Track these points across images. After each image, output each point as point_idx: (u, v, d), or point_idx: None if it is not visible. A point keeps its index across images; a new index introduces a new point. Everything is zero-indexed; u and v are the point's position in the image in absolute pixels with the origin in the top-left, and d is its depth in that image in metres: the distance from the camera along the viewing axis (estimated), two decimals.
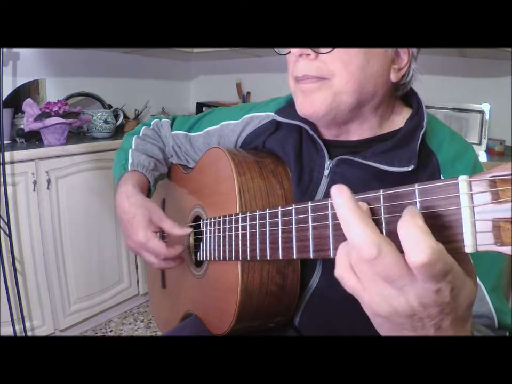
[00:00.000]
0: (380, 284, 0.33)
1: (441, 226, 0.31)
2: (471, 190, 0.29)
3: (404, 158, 0.59)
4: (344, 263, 0.35)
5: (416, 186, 0.32)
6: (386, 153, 0.61)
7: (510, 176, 0.27)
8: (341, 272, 0.35)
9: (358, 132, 0.66)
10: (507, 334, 0.58)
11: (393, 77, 0.62)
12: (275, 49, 0.63)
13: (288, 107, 0.74)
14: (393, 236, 0.32)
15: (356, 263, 0.33)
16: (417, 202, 0.32)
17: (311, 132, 0.69)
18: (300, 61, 0.61)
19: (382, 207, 0.34)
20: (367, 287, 0.34)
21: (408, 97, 0.68)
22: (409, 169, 0.58)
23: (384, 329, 0.36)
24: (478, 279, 0.56)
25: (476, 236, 0.29)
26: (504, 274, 0.61)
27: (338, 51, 0.58)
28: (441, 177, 0.60)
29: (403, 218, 0.30)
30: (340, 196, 0.33)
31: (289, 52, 0.63)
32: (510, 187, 0.27)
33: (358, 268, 0.33)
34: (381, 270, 0.31)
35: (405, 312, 0.32)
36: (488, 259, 0.58)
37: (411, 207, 0.31)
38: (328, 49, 0.58)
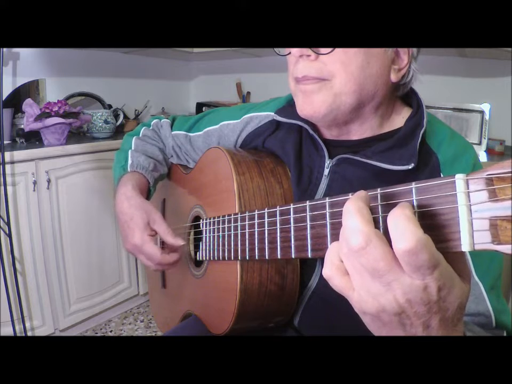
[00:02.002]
0: (368, 280, 0.33)
1: (438, 225, 0.31)
2: (468, 188, 0.29)
3: (404, 157, 0.59)
4: (334, 259, 0.35)
5: (413, 185, 0.32)
6: (387, 152, 0.61)
7: (508, 175, 0.27)
8: (329, 269, 0.35)
9: (358, 132, 0.66)
10: (504, 334, 0.58)
11: (393, 77, 0.62)
12: (275, 50, 0.63)
13: (288, 107, 0.74)
14: (389, 235, 0.32)
15: (346, 255, 0.33)
16: (414, 200, 0.32)
17: (311, 132, 0.69)
18: (300, 61, 0.61)
19: (380, 206, 0.34)
20: (356, 285, 0.34)
21: (408, 97, 0.68)
22: (410, 167, 0.58)
23: (374, 328, 0.36)
24: (476, 278, 0.56)
25: (472, 234, 0.29)
26: (502, 274, 0.61)
27: (338, 52, 0.58)
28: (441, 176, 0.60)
29: (393, 210, 0.31)
30: (354, 194, 0.35)
31: (290, 53, 0.63)
32: (508, 185, 0.27)
33: (347, 261, 0.34)
34: (369, 262, 0.31)
35: (393, 310, 0.33)
36: (487, 258, 0.58)
37: (403, 202, 0.32)
38: (328, 50, 0.58)
